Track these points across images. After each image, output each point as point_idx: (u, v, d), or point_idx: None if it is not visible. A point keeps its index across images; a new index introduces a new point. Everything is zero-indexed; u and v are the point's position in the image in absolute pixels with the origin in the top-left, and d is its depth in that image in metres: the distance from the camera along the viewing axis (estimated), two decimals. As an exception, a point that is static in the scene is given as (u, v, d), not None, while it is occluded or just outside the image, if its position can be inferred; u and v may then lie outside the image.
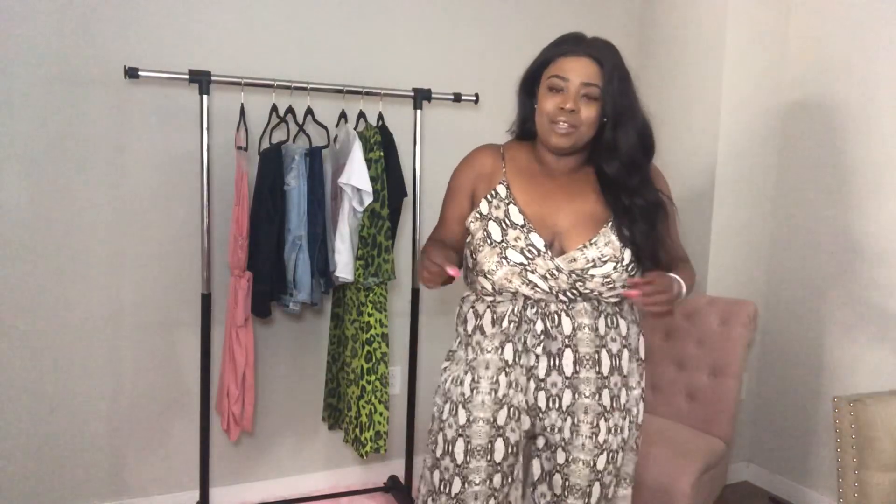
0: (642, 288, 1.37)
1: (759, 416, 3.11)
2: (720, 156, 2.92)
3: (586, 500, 1.54)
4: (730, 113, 2.90)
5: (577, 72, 1.43)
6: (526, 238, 1.49)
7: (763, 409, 3.09)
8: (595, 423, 1.53)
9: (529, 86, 1.54)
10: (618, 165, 1.49)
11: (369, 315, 2.45)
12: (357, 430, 2.48)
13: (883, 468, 1.97)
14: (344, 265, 2.40)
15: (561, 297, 1.49)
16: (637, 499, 2.28)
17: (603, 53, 1.44)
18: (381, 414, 2.48)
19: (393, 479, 2.96)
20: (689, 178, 3.00)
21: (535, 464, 1.60)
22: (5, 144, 2.35)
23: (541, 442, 1.58)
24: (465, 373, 1.57)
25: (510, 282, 1.49)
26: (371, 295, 2.46)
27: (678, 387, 2.69)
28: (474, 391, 1.55)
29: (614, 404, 1.54)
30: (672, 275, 1.47)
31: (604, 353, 1.53)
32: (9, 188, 2.37)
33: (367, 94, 2.53)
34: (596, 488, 1.55)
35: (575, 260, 1.48)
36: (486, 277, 1.51)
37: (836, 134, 2.76)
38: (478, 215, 1.55)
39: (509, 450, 1.56)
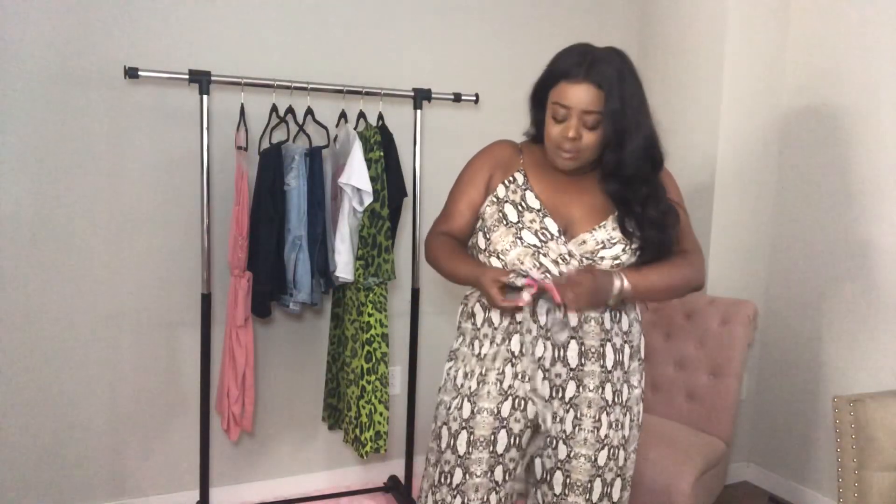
0: (556, 285, 1.44)
1: (759, 416, 3.11)
2: (720, 157, 2.92)
3: (588, 497, 1.55)
4: (729, 115, 2.90)
5: (578, 99, 1.43)
6: (541, 222, 1.53)
7: (763, 409, 3.09)
8: (597, 418, 1.54)
9: (539, 98, 1.55)
10: (617, 186, 1.51)
11: (369, 315, 2.45)
12: (357, 430, 2.48)
13: (883, 468, 1.97)
14: (344, 265, 2.40)
15: None
16: (637, 499, 2.28)
17: (605, 75, 1.42)
18: (381, 414, 2.48)
19: (393, 479, 2.96)
20: (689, 179, 3.00)
21: (538, 463, 1.61)
22: (5, 144, 2.35)
23: (545, 436, 1.58)
24: (476, 366, 1.59)
25: (522, 263, 1.51)
26: (371, 295, 2.46)
27: (678, 387, 2.69)
28: (481, 384, 1.57)
29: (616, 399, 1.56)
30: (610, 278, 1.47)
31: (608, 347, 1.55)
32: (9, 188, 2.37)
33: (367, 94, 2.53)
34: (597, 484, 1.55)
35: (585, 242, 1.51)
36: (498, 258, 1.53)
37: (836, 137, 2.76)
38: (494, 199, 1.58)
39: (512, 441, 1.57)
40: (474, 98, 2.74)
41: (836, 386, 2.75)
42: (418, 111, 2.65)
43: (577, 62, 1.44)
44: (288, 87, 2.42)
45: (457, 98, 2.71)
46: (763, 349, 3.08)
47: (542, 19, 3.08)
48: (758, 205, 3.01)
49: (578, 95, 1.43)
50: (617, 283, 1.48)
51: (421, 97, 2.63)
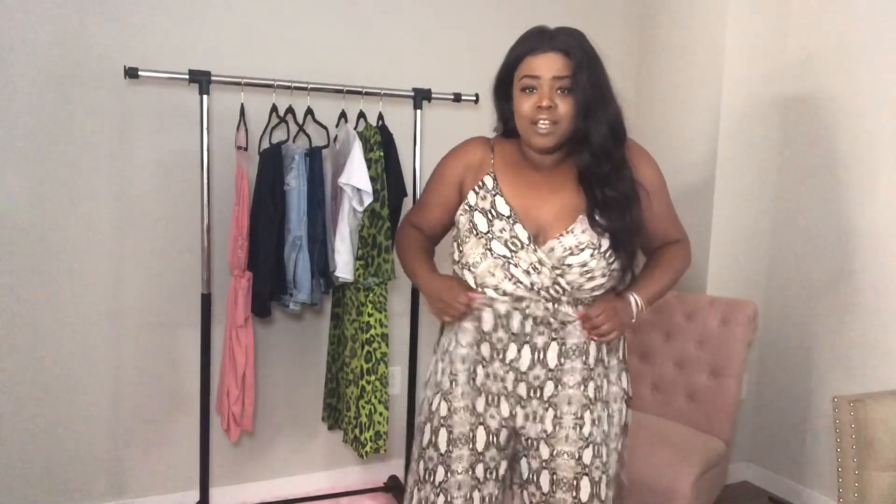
0: (584, 322, 1.49)
1: (759, 416, 3.11)
2: (720, 155, 2.92)
3: (575, 494, 1.53)
4: (729, 112, 2.90)
5: (547, 67, 1.42)
6: (511, 230, 1.50)
7: (763, 409, 3.09)
8: (579, 415, 1.52)
9: (503, 88, 1.53)
10: (588, 157, 1.47)
11: (369, 315, 2.45)
12: (357, 431, 2.48)
13: (883, 468, 1.97)
14: (344, 265, 2.40)
15: (543, 293, 1.49)
16: (637, 499, 2.28)
17: (569, 44, 1.43)
18: (380, 414, 2.48)
19: (393, 479, 2.96)
20: (688, 177, 3.00)
21: (524, 464, 1.59)
22: (5, 144, 2.35)
23: (524, 440, 1.57)
24: (451, 364, 1.58)
25: (493, 275, 1.49)
26: (371, 295, 2.46)
27: (678, 387, 2.69)
28: (453, 383, 1.57)
29: (597, 395, 1.55)
30: (625, 299, 1.54)
31: (592, 344, 1.53)
32: (9, 188, 2.37)
33: (367, 94, 2.53)
34: (585, 483, 1.53)
35: (553, 249, 1.48)
36: (469, 271, 1.51)
37: (836, 133, 2.76)
38: (466, 207, 1.56)
39: (490, 438, 1.56)
40: (474, 98, 2.74)
41: (836, 386, 2.75)
42: (418, 111, 2.65)
43: (537, 38, 1.46)
44: (288, 87, 2.42)
45: (457, 98, 2.71)
46: (763, 349, 3.08)
47: (543, 18, 3.07)
48: (758, 205, 3.01)
49: (547, 63, 1.42)
50: (634, 310, 1.54)
51: (421, 97, 2.63)
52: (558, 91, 1.43)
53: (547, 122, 1.43)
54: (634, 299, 1.54)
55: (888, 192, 2.58)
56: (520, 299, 1.50)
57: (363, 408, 2.45)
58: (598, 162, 1.47)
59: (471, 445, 1.56)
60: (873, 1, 2.62)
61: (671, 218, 1.63)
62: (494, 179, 1.55)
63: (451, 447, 1.56)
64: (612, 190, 1.47)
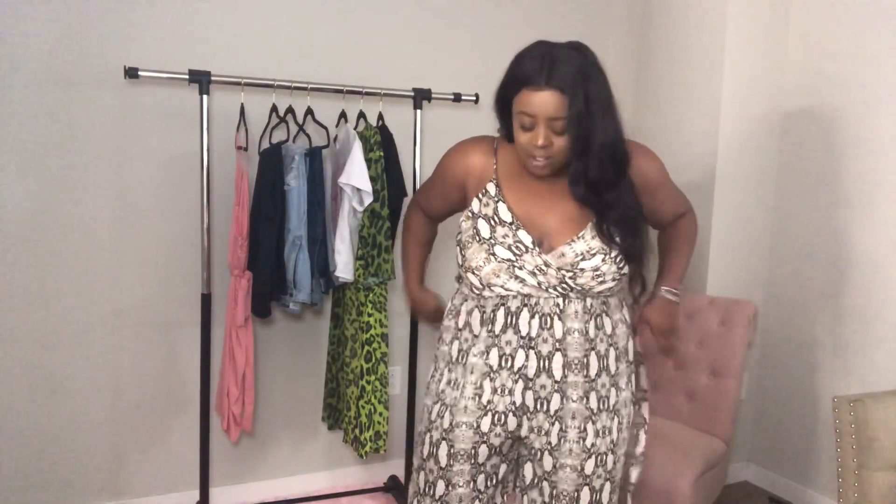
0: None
1: (759, 416, 3.11)
2: (720, 156, 2.92)
3: None
4: (729, 115, 2.90)
5: (542, 106, 1.38)
6: (514, 235, 1.50)
7: (763, 409, 3.10)
8: (583, 428, 1.52)
9: (503, 104, 1.51)
10: (583, 191, 1.47)
11: (369, 315, 2.45)
12: (357, 431, 2.48)
13: (883, 468, 1.97)
14: (344, 265, 2.40)
15: (551, 291, 1.49)
16: (637, 499, 2.28)
17: (565, 80, 1.37)
18: (380, 414, 2.48)
19: (393, 479, 2.96)
20: (689, 178, 3.00)
21: (528, 468, 1.59)
22: (5, 144, 2.35)
23: (529, 447, 1.57)
24: (455, 374, 1.57)
25: (498, 276, 1.49)
26: (371, 295, 2.46)
27: (678, 387, 2.69)
28: (460, 396, 1.55)
29: (601, 406, 1.54)
30: (661, 299, 1.70)
31: (592, 356, 1.52)
32: (9, 188, 2.37)
33: (367, 94, 2.53)
34: (585, 493, 1.53)
35: (564, 255, 1.48)
36: (473, 274, 1.52)
37: (835, 137, 2.76)
38: (470, 214, 1.56)
39: (492, 451, 1.55)
40: (474, 98, 2.74)
41: (836, 386, 2.75)
42: (418, 111, 2.65)
43: (537, 67, 1.39)
44: (288, 87, 2.42)
45: (457, 98, 2.71)
46: (763, 349, 3.08)
47: (543, 18, 3.08)
48: (758, 205, 3.01)
49: (542, 103, 1.38)
50: (676, 299, 1.69)
51: (421, 97, 2.63)
52: (554, 128, 1.41)
53: (542, 158, 1.44)
54: (669, 292, 1.69)
55: (886, 195, 2.58)
56: (528, 296, 1.50)
57: (363, 408, 2.45)
58: (598, 192, 1.47)
59: (472, 461, 1.55)
60: (873, 13, 2.62)
61: (676, 195, 1.69)
62: (497, 186, 1.55)
63: (451, 461, 1.55)
64: (614, 213, 1.49)
